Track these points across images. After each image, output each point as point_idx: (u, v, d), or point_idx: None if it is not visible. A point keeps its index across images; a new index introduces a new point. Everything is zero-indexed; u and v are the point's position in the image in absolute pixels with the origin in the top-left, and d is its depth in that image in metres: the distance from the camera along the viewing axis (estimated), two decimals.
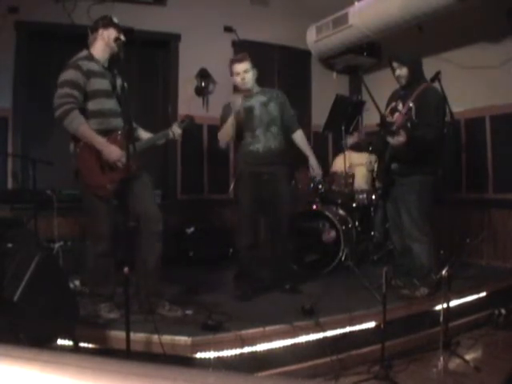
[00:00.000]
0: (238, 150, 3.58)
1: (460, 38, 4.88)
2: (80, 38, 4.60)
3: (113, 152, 2.73)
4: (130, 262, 2.30)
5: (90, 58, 2.86)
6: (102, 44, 2.89)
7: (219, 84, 5.39)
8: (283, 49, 5.88)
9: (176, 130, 3.08)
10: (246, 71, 3.40)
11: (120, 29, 2.92)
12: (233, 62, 3.47)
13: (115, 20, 2.93)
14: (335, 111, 4.45)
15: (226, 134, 3.41)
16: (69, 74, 2.75)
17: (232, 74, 3.47)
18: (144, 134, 3.15)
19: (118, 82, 2.94)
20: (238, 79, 3.44)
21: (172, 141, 3.30)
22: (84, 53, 2.91)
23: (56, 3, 4.65)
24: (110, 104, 2.85)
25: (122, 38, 2.90)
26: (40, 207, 3.76)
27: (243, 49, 5.52)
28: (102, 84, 2.82)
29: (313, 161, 3.60)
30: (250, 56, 3.47)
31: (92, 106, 2.80)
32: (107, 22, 2.90)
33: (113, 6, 4.84)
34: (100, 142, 2.74)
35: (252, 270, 3.50)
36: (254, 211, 3.45)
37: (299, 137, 3.62)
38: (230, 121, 3.34)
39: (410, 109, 3.18)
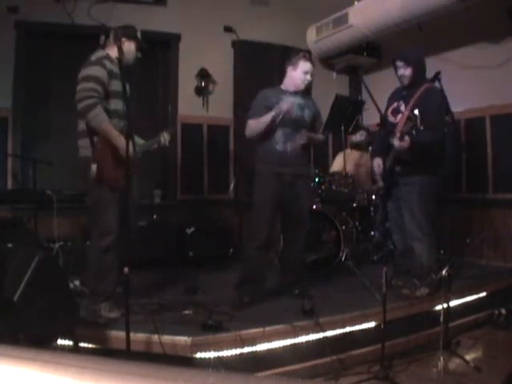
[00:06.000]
0: (258, 146, 3.42)
1: (460, 38, 4.88)
2: (80, 38, 4.66)
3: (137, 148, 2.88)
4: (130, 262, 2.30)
5: (111, 59, 2.93)
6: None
7: (219, 84, 5.40)
8: (283, 49, 5.87)
9: (166, 136, 3.20)
10: (311, 73, 3.38)
11: (140, 45, 3.08)
12: (305, 58, 3.39)
13: (139, 35, 3.08)
14: (335, 111, 4.44)
15: (258, 128, 3.29)
16: (94, 70, 2.85)
17: (296, 67, 3.37)
18: (138, 140, 3.22)
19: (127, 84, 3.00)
20: (300, 76, 3.35)
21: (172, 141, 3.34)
22: (103, 53, 2.98)
23: (56, 3, 4.65)
24: (122, 106, 2.93)
25: (139, 55, 3.09)
26: (40, 207, 3.76)
27: (243, 49, 5.56)
28: (118, 86, 2.88)
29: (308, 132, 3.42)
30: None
31: (110, 105, 2.91)
32: (132, 35, 3.04)
33: (113, 6, 4.85)
34: (119, 138, 2.83)
35: (257, 272, 3.35)
36: (271, 213, 3.33)
37: (319, 136, 3.59)
38: (269, 118, 3.23)
39: (415, 116, 3.18)
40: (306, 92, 3.61)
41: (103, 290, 2.89)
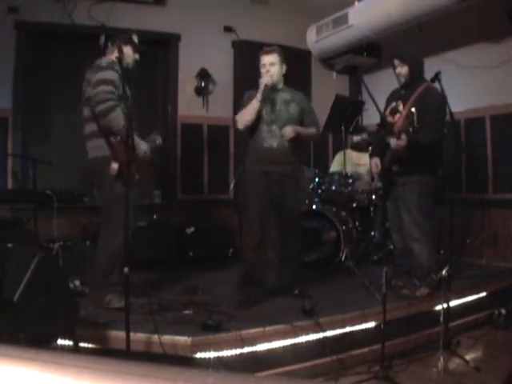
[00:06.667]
0: (248, 145, 3.45)
1: (460, 38, 4.88)
2: (80, 38, 4.67)
3: (144, 145, 3.12)
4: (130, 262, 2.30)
5: (116, 64, 3.00)
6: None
7: (219, 84, 5.40)
8: (283, 49, 5.85)
9: (158, 138, 3.31)
10: (272, 64, 3.31)
11: (137, 48, 3.17)
12: (261, 53, 3.39)
13: (135, 39, 3.17)
14: (335, 111, 4.45)
15: (249, 112, 3.27)
16: (110, 75, 2.95)
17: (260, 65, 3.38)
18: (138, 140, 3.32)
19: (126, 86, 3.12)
20: (263, 71, 3.33)
21: (168, 142, 3.42)
22: (108, 59, 3.07)
23: (56, 3, 4.65)
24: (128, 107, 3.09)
25: (137, 57, 3.19)
26: (40, 207, 3.76)
27: (243, 49, 5.56)
28: (123, 89, 2.99)
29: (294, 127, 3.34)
30: (280, 50, 3.39)
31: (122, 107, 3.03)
32: (127, 40, 3.14)
33: (113, 6, 4.84)
34: (136, 138, 2.97)
35: (257, 272, 3.35)
36: (261, 211, 3.32)
37: (311, 129, 3.45)
38: (256, 101, 3.23)
39: (412, 113, 3.18)
40: (294, 87, 3.56)
41: (114, 280, 2.95)
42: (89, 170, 3.10)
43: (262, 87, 3.22)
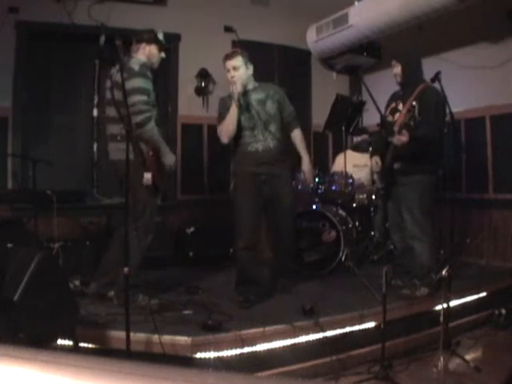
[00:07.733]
0: (234, 150, 3.45)
1: (460, 38, 4.88)
2: (80, 38, 4.67)
3: (172, 157, 3.14)
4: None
5: (147, 65, 3.07)
6: (144, 56, 3.10)
7: (219, 84, 5.39)
8: (283, 49, 5.88)
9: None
10: (235, 68, 3.28)
11: (162, 46, 3.16)
12: (224, 58, 3.35)
13: (160, 37, 3.15)
14: (336, 111, 4.45)
15: (229, 124, 3.25)
16: (145, 83, 2.99)
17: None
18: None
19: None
20: (228, 76, 3.31)
21: (168, 142, 3.44)
22: (137, 60, 3.06)
23: (56, 3, 4.65)
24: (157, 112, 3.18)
25: (163, 55, 3.19)
26: (40, 207, 3.76)
27: (243, 49, 5.56)
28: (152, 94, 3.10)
29: (306, 165, 3.46)
30: (243, 51, 3.35)
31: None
32: (152, 38, 3.12)
33: (113, 6, 4.84)
34: (166, 148, 3.08)
35: (251, 272, 3.36)
36: (252, 213, 3.31)
37: (297, 137, 3.49)
38: (233, 111, 3.21)
39: (413, 107, 3.18)
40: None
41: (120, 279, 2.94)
42: (110, 171, 3.18)
43: (235, 96, 3.20)
